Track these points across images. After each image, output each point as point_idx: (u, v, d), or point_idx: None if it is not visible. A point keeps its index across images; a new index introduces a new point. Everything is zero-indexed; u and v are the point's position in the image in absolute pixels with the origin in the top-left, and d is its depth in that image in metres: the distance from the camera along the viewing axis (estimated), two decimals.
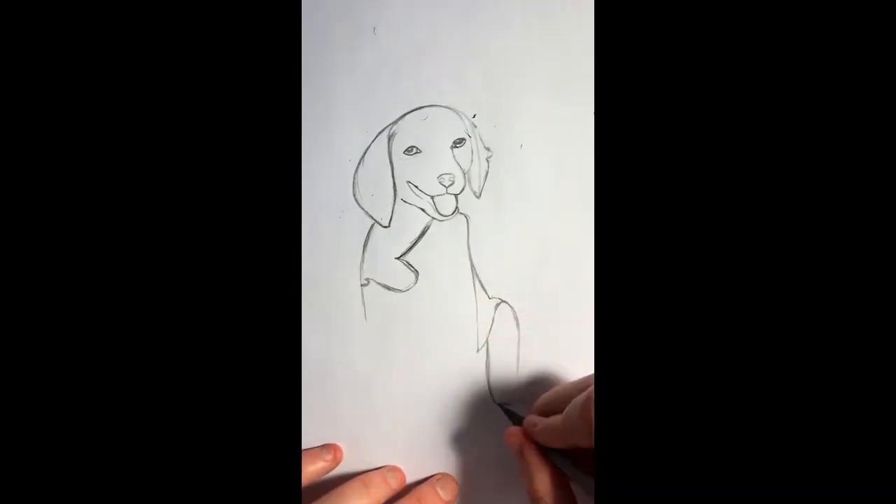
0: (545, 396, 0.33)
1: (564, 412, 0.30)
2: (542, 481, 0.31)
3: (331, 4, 0.38)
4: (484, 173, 0.37)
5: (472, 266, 0.37)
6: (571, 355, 0.36)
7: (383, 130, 0.37)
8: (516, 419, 0.34)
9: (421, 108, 0.37)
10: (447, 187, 0.37)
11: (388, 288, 0.37)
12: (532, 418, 0.33)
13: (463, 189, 0.37)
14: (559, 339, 0.36)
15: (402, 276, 0.37)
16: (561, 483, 0.31)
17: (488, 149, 0.37)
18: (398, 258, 0.37)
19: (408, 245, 0.37)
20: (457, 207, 0.37)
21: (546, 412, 0.32)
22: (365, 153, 0.37)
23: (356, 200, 0.37)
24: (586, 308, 0.36)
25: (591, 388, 0.28)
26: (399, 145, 0.37)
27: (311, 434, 0.36)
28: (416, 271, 0.37)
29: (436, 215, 0.37)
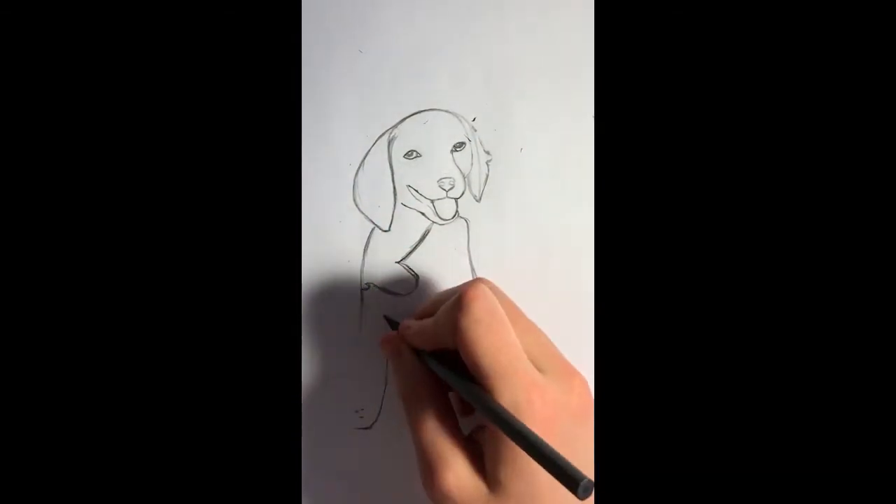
0: (425, 303, 0.33)
1: (436, 314, 0.30)
2: (412, 383, 0.31)
3: (331, 7, 0.38)
4: (484, 177, 0.37)
5: (473, 270, 0.37)
6: (572, 358, 0.36)
7: (383, 134, 0.37)
8: (394, 326, 0.34)
9: (421, 111, 0.37)
10: (447, 191, 0.37)
11: (389, 292, 0.37)
12: (407, 321, 0.32)
13: (463, 193, 0.37)
14: (559, 341, 0.36)
15: (402, 280, 0.37)
16: (433, 386, 0.31)
17: (488, 152, 0.37)
18: (398, 262, 0.37)
19: (408, 249, 0.37)
20: (457, 211, 0.37)
21: (423, 317, 0.32)
22: (365, 157, 0.37)
23: (356, 205, 0.37)
24: (586, 311, 0.36)
25: (462, 289, 0.28)
26: (399, 149, 0.37)
27: (311, 436, 0.36)
28: (417, 275, 0.37)
29: (436, 219, 0.37)
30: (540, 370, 0.28)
